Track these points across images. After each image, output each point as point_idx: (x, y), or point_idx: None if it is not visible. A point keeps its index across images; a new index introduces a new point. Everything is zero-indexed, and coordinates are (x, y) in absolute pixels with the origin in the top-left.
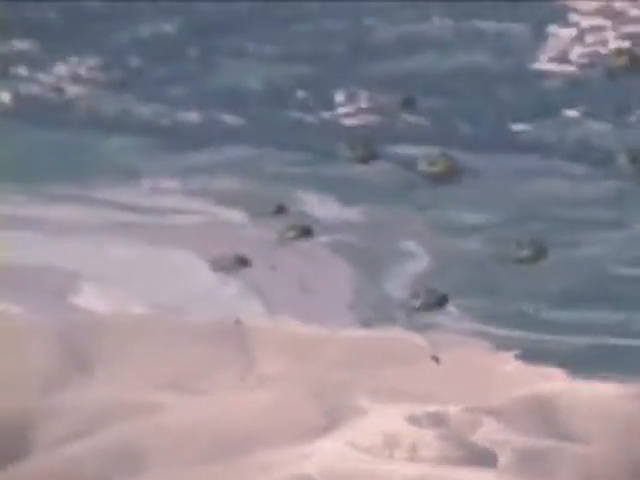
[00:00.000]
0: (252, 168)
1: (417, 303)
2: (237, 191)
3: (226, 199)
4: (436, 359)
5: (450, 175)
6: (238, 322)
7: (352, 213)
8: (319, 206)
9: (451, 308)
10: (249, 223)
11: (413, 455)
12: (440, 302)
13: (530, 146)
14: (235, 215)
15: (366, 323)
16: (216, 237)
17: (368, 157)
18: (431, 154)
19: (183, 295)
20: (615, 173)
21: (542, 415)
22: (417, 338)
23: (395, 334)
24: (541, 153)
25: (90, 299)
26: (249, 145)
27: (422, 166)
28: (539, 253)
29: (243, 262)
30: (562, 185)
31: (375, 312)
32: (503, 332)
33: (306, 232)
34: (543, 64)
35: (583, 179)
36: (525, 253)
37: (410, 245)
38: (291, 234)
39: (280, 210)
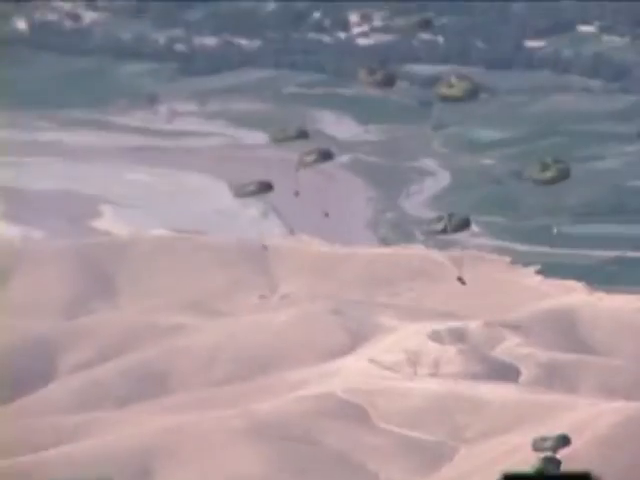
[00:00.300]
0: (269, 90)
1: (440, 226)
2: (255, 113)
3: (244, 121)
4: (462, 280)
5: (468, 97)
6: (264, 247)
7: (370, 132)
8: (337, 126)
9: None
10: (269, 145)
11: (436, 371)
12: (463, 225)
13: (546, 62)
14: (254, 137)
15: (386, 241)
16: (235, 159)
17: (387, 82)
18: (449, 77)
19: (204, 217)
20: (632, 86)
21: (563, 329)
22: (438, 255)
23: (416, 252)
24: (557, 69)
25: (111, 222)
26: (266, 67)
27: (440, 89)
28: (563, 174)
29: (266, 187)
30: (579, 100)
31: (395, 230)
32: (523, 247)
33: (326, 156)
34: None
35: (600, 93)
36: (549, 174)
37: (429, 163)
38: (311, 158)
39: (301, 135)
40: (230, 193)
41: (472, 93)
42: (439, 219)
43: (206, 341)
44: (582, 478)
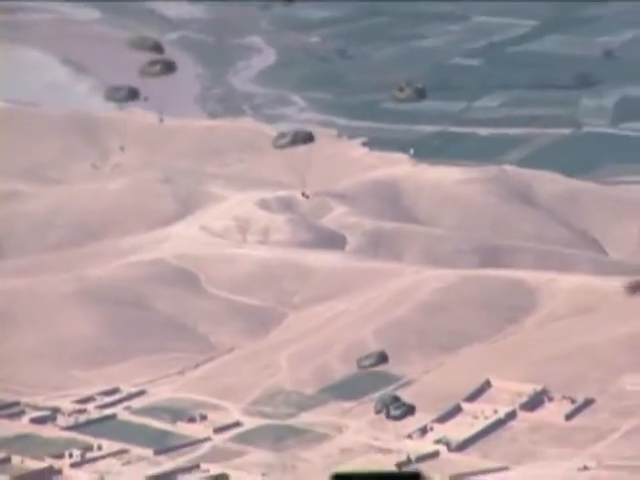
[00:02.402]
0: None
1: (286, 140)
2: None
3: None
4: (305, 195)
5: None
6: (161, 120)
7: (200, 10)
8: (167, 4)
9: (297, 99)
10: (100, 21)
11: (265, 238)
12: (307, 139)
13: None
14: (86, 13)
15: (214, 115)
16: (68, 35)
17: (419, 96)
18: None
19: (37, 90)
20: None
21: (389, 199)
22: (265, 127)
23: (245, 125)
24: None
25: None
26: None
27: None
28: (419, 93)
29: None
30: None
31: (223, 105)
32: (349, 122)
33: (170, 67)
34: None
35: None
36: (405, 94)
37: (256, 41)
38: (155, 69)
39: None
40: (61, 66)
41: None
42: (283, 135)
43: (40, 207)
44: (412, 477)
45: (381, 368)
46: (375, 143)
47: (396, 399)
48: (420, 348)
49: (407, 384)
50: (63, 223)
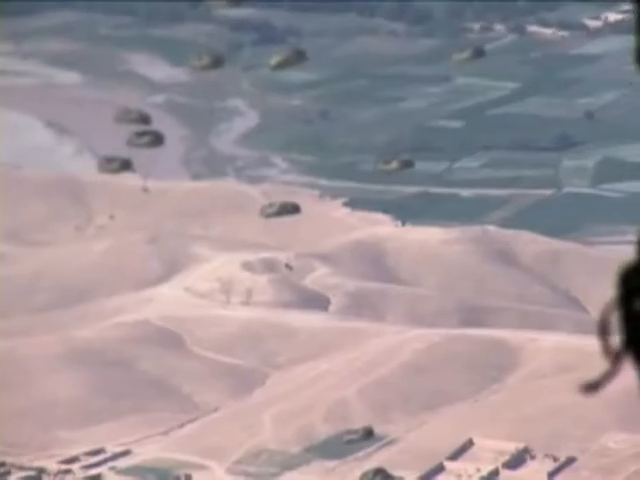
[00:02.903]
0: (83, 32)
1: (272, 210)
2: (69, 53)
3: (59, 61)
4: (289, 267)
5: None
6: (145, 190)
7: (182, 73)
8: (149, 67)
9: (279, 161)
10: (83, 85)
11: (248, 299)
12: (292, 210)
13: (352, 5)
14: (69, 76)
15: (198, 177)
16: (50, 98)
17: (405, 167)
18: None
19: (21, 153)
20: (434, 31)
21: (371, 259)
22: (249, 188)
23: (228, 186)
24: (363, 12)
25: None
26: (79, 10)
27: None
28: (405, 165)
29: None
30: (383, 43)
31: (206, 166)
32: (331, 183)
33: (158, 140)
34: None
35: (403, 37)
36: (393, 166)
37: (239, 103)
38: (143, 141)
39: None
40: (44, 128)
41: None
42: (270, 205)
43: (26, 269)
44: None
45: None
46: (357, 204)
47: (381, 471)
48: (403, 407)
49: (390, 443)
50: (48, 285)
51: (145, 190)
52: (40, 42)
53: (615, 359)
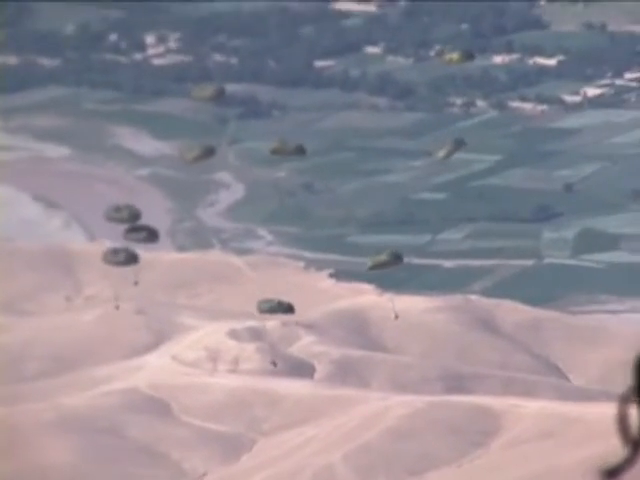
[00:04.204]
0: (70, 106)
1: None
2: (57, 128)
3: (47, 136)
4: (274, 364)
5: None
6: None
7: (166, 147)
8: (135, 141)
9: (264, 233)
10: (71, 158)
11: (235, 367)
12: (288, 310)
13: (335, 81)
14: (57, 150)
15: (183, 249)
16: (39, 172)
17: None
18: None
19: (10, 226)
20: (416, 105)
21: (355, 328)
22: (234, 259)
23: (214, 257)
24: (345, 87)
25: None
26: (66, 85)
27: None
28: (395, 258)
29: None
30: (366, 117)
31: (192, 239)
32: (316, 255)
33: (153, 236)
34: (343, 3)
35: (386, 111)
36: (383, 258)
37: (224, 176)
38: (139, 237)
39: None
40: (33, 202)
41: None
42: (266, 301)
43: (15, 339)
44: None
45: None
46: (341, 275)
47: None
48: (387, 472)
49: None
50: (38, 354)
51: (136, 283)
52: (27, 117)
53: (635, 446)
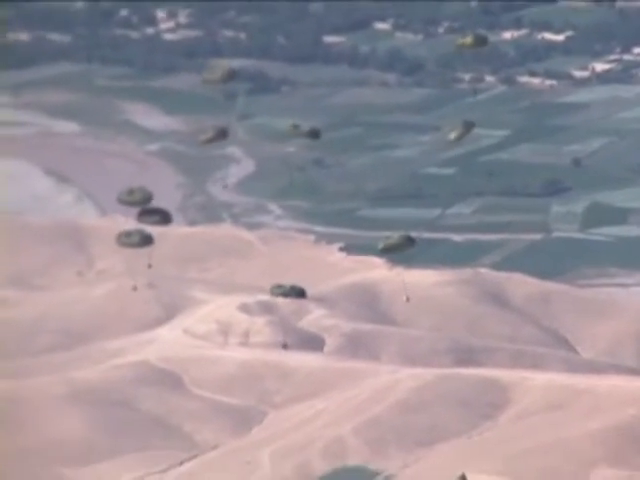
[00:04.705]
0: (81, 83)
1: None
2: (67, 104)
3: (57, 111)
4: (286, 346)
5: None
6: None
7: (177, 122)
8: (146, 116)
9: (274, 207)
10: (81, 134)
11: (245, 341)
12: (299, 294)
13: (344, 57)
14: (67, 126)
15: (194, 223)
16: (49, 147)
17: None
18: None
19: (21, 201)
20: (425, 80)
21: (365, 301)
22: (245, 233)
23: (225, 231)
24: (355, 63)
25: None
26: (77, 61)
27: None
28: (407, 241)
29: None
30: (375, 93)
31: (202, 213)
32: (326, 229)
33: (166, 219)
34: None
35: (395, 87)
36: (394, 240)
37: (234, 151)
38: (152, 219)
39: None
40: (44, 177)
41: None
42: (279, 287)
43: (28, 313)
44: None
45: (361, 463)
46: (351, 249)
47: None
48: (398, 444)
49: (387, 479)
50: (50, 328)
51: (149, 266)
52: (39, 93)
53: None
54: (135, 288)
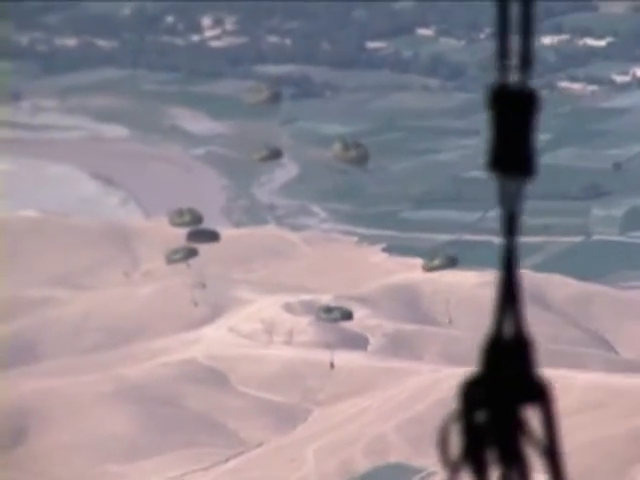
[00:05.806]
0: (127, 87)
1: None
2: (114, 109)
3: (104, 116)
4: (332, 365)
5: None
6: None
7: (222, 126)
8: (192, 121)
9: (318, 210)
10: (128, 138)
11: (290, 339)
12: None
13: (386, 62)
14: (114, 130)
15: (239, 225)
16: (96, 151)
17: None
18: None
19: (68, 204)
20: (467, 85)
21: (407, 302)
22: (289, 234)
23: (270, 232)
24: (397, 69)
25: None
26: (123, 67)
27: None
28: (450, 262)
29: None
30: (417, 98)
31: (247, 215)
32: (369, 231)
33: (213, 237)
34: None
35: (437, 92)
36: (437, 262)
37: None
38: (200, 239)
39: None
40: (90, 180)
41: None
42: (328, 310)
43: (74, 312)
44: None
45: (403, 461)
46: (394, 250)
47: None
48: None
49: (428, 476)
50: (96, 327)
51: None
52: (86, 98)
53: (453, 469)
54: (196, 304)
